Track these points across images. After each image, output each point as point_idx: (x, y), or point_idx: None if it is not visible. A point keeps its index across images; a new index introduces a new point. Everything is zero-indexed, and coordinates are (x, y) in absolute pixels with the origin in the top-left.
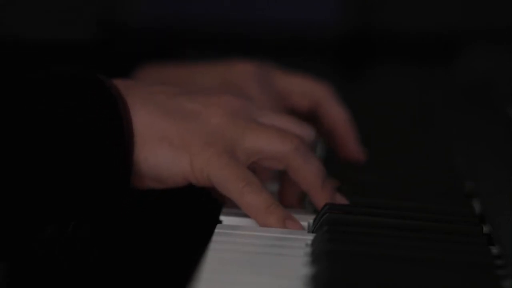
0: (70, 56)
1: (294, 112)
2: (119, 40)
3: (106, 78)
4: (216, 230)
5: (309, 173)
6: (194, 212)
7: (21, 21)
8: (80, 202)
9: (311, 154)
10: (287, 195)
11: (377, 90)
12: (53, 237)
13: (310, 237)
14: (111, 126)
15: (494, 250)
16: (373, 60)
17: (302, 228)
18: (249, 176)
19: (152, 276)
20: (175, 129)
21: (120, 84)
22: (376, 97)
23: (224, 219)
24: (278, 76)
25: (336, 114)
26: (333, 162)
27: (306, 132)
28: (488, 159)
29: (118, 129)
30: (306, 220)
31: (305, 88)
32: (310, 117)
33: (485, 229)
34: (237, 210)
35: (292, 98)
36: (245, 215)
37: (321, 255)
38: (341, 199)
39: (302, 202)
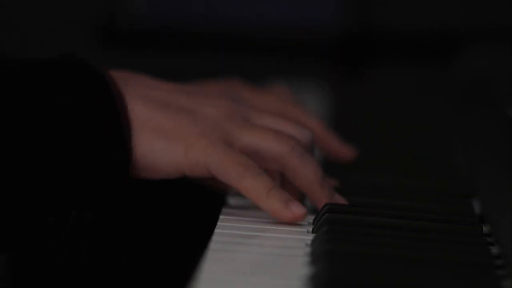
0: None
1: None
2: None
3: (104, 70)
4: (216, 230)
5: (307, 173)
6: (194, 212)
7: (21, 23)
8: (79, 192)
9: (308, 155)
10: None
11: (377, 89)
12: (55, 228)
13: (310, 237)
14: (108, 117)
15: (494, 250)
16: (373, 59)
17: (305, 210)
18: (247, 161)
19: (152, 276)
20: (172, 122)
21: (118, 76)
22: (376, 97)
23: (224, 219)
24: (247, 92)
25: (310, 124)
26: (332, 163)
27: (304, 134)
28: (488, 159)
29: (115, 120)
30: (306, 220)
31: (273, 103)
32: None
33: (485, 229)
34: (237, 210)
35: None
36: (244, 215)
37: (321, 255)
38: (340, 199)
39: (302, 202)
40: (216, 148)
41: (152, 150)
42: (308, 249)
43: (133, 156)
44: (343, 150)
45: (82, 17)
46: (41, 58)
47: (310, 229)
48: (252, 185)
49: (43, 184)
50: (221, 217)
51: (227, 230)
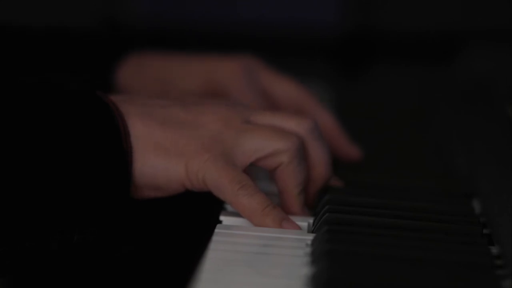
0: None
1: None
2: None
3: (104, 93)
4: (216, 230)
5: (320, 156)
6: (194, 212)
7: (20, 13)
8: (81, 214)
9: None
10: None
11: (377, 89)
12: (57, 250)
13: (310, 237)
14: (110, 140)
15: (494, 250)
16: (373, 59)
17: (299, 228)
18: (244, 179)
19: (153, 276)
20: (171, 137)
21: (117, 98)
22: (376, 97)
23: (224, 219)
24: (265, 75)
25: (322, 118)
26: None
27: (305, 127)
28: (488, 159)
29: (116, 142)
30: (306, 220)
31: (289, 92)
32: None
33: (485, 229)
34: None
35: (275, 98)
36: None
37: (321, 255)
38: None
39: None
40: (216, 163)
41: (153, 169)
42: (308, 249)
43: (135, 178)
44: (352, 150)
45: (82, 17)
46: (50, 84)
47: (311, 229)
48: (246, 203)
49: (44, 205)
50: (221, 217)
51: (227, 230)
